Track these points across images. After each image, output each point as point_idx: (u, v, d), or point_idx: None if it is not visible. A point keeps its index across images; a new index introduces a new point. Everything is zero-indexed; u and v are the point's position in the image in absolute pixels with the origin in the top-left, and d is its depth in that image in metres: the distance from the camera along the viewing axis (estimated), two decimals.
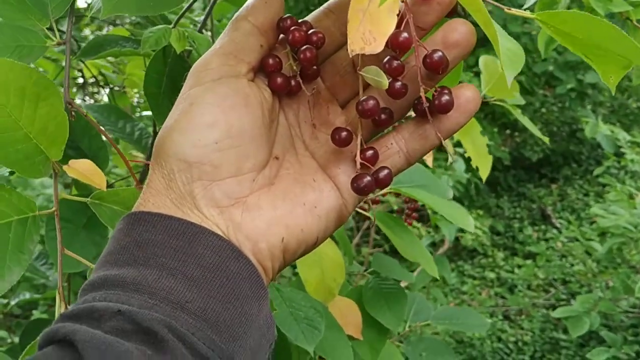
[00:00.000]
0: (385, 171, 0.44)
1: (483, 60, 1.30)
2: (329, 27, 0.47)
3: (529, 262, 4.27)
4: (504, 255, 4.42)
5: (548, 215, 4.74)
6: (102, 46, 0.82)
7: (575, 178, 5.11)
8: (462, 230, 3.68)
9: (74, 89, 1.88)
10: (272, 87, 0.47)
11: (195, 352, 0.37)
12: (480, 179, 1.38)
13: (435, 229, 3.30)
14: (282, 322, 0.86)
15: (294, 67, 0.47)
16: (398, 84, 0.42)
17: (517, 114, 1.32)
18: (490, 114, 4.57)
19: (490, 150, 1.31)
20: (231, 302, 0.40)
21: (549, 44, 1.18)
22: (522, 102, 1.36)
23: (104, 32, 2.07)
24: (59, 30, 0.68)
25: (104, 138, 0.88)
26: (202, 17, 0.95)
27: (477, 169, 1.31)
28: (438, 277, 1.14)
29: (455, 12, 0.45)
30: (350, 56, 0.36)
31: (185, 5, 0.86)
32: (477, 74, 1.31)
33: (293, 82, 0.47)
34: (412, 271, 1.88)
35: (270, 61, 0.47)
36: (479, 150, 1.31)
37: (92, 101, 2.28)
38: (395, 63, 0.42)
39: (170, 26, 0.77)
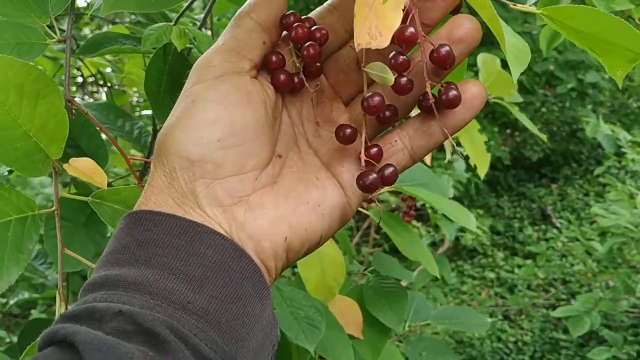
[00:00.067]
0: (391, 168, 0.44)
1: (481, 58, 1.30)
2: (333, 24, 0.47)
3: (529, 262, 4.27)
4: (504, 255, 4.42)
5: (548, 215, 4.74)
6: (102, 44, 0.82)
7: (576, 178, 5.11)
8: (462, 230, 3.69)
9: (74, 88, 1.87)
10: (275, 84, 0.46)
11: (197, 353, 0.36)
12: (480, 179, 1.38)
13: (435, 229, 3.30)
14: (283, 322, 0.85)
15: (297, 64, 0.47)
16: (404, 79, 0.42)
17: (515, 111, 1.32)
18: (491, 113, 4.57)
19: (490, 150, 1.32)
20: (234, 302, 0.39)
21: (551, 42, 1.17)
22: (520, 99, 1.36)
23: (104, 30, 2.06)
24: (59, 28, 0.67)
25: (103, 136, 0.87)
26: (202, 16, 0.95)
27: (476, 167, 1.32)
28: (439, 276, 1.13)
29: (460, 9, 0.45)
30: (357, 50, 0.35)
31: (185, 4, 0.85)
32: (476, 73, 1.31)
33: (296, 79, 0.47)
34: (412, 271, 1.88)
35: (273, 58, 0.46)
36: (477, 149, 1.31)
37: (91, 100, 2.27)
38: (401, 58, 0.41)
39: (171, 24, 0.77)
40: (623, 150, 3.67)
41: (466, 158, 1.47)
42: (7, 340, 1.72)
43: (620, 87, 0.43)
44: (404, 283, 1.40)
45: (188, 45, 0.76)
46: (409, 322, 1.44)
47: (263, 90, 0.45)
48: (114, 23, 1.50)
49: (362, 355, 1.09)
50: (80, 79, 1.84)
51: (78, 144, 0.85)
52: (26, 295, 1.67)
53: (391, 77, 0.40)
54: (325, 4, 0.48)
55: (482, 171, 1.32)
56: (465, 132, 1.27)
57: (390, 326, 1.11)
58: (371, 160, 0.44)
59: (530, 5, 0.45)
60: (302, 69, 0.47)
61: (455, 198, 2.18)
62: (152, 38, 0.74)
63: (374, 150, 0.44)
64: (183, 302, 0.38)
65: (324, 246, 0.50)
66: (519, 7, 0.44)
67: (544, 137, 1.37)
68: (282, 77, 0.46)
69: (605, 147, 3.79)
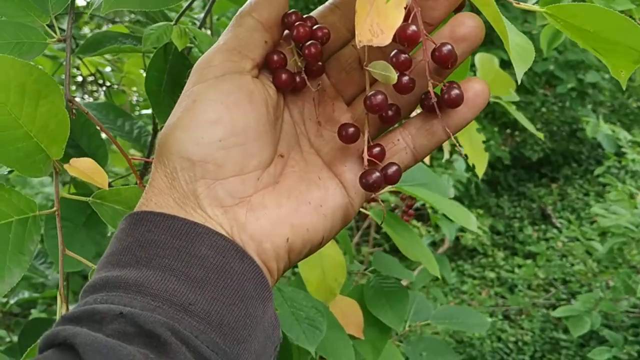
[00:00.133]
0: (394, 167, 0.44)
1: (479, 57, 1.30)
2: (335, 23, 0.46)
3: (529, 261, 4.27)
4: (504, 255, 4.42)
5: (548, 214, 4.74)
6: (102, 43, 0.81)
7: (576, 178, 5.11)
8: (462, 230, 3.69)
9: (73, 87, 1.87)
10: (276, 83, 0.46)
11: (198, 355, 0.36)
12: (479, 178, 1.38)
13: (436, 229, 3.30)
14: (284, 322, 0.85)
15: (299, 63, 0.46)
16: (406, 78, 0.41)
17: (512, 110, 1.32)
18: (491, 113, 4.57)
19: (490, 149, 1.32)
20: (235, 303, 0.39)
21: (552, 42, 1.17)
22: (517, 98, 1.36)
23: (104, 30, 2.06)
24: (59, 27, 0.67)
25: (103, 136, 0.87)
26: (202, 15, 0.94)
27: (474, 166, 1.32)
28: (439, 276, 1.13)
29: (463, 7, 0.44)
30: (358, 47, 0.35)
31: (186, 3, 0.85)
32: (474, 73, 1.31)
33: (298, 79, 0.46)
34: (412, 270, 1.88)
35: (275, 57, 0.46)
36: (475, 148, 1.31)
37: (91, 99, 2.27)
38: (402, 57, 0.41)
39: (172, 23, 0.77)
40: (623, 150, 3.67)
41: (466, 157, 1.47)
42: (7, 339, 1.71)
43: (624, 87, 0.43)
44: (404, 283, 1.40)
45: (188, 45, 0.76)
46: (409, 322, 1.44)
47: (264, 90, 0.45)
48: (113, 22, 1.50)
49: (363, 355, 1.09)
50: (80, 78, 1.84)
51: (78, 143, 0.85)
52: (26, 294, 1.67)
53: (394, 76, 0.39)
54: (327, 3, 0.47)
55: (480, 171, 1.32)
56: (464, 131, 1.26)
57: (391, 326, 1.11)
58: (374, 160, 0.44)
59: (532, 4, 0.44)
60: (303, 68, 0.46)
61: (455, 198, 2.18)
62: (153, 37, 0.73)
63: (377, 149, 0.44)
64: (184, 304, 0.37)
65: (325, 247, 0.50)
66: (522, 5, 0.43)
67: (541, 135, 1.37)
68: (283, 76, 0.46)
69: (605, 147, 3.79)
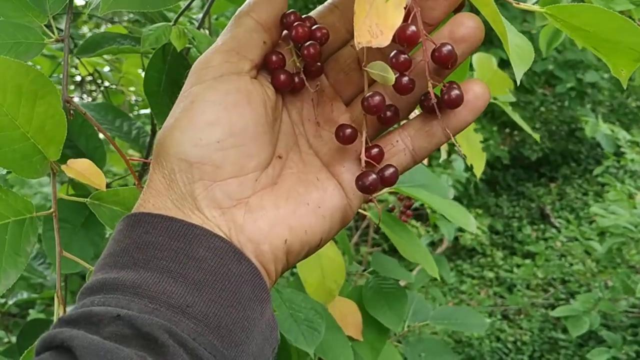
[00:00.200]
0: (391, 169, 0.43)
1: (477, 57, 1.30)
2: (334, 23, 0.46)
3: (528, 261, 4.27)
4: (502, 255, 4.42)
5: (547, 214, 4.74)
6: (100, 44, 0.81)
7: (574, 177, 5.11)
8: (461, 230, 3.69)
9: (72, 87, 1.87)
10: (275, 84, 0.46)
11: (196, 357, 0.36)
12: (480, 178, 1.38)
13: (434, 228, 3.30)
14: (282, 324, 0.85)
15: (298, 64, 0.46)
16: (405, 79, 0.41)
17: (509, 110, 1.32)
18: (490, 113, 4.57)
19: (489, 149, 1.32)
20: (233, 305, 0.39)
21: (551, 43, 1.17)
22: (513, 99, 1.36)
23: (102, 29, 2.06)
24: (56, 28, 0.67)
25: (101, 136, 0.87)
26: (200, 15, 0.94)
27: (472, 167, 1.32)
28: (438, 277, 1.13)
29: (462, 7, 0.44)
30: (357, 49, 0.35)
31: (184, 4, 0.85)
32: (472, 73, 1.32)
33: (296, 79, 0.46)
34: (411, 270, 1.88)
35: (274, 58, 0.46)
36: (473, 148, 1.31)
37: (89, 99, 2.27)
38: (402, 57, 0.40)
39: (170, 24, 0.77)
40: (622, 150, 3.67)
41: (464, 157, 1.47)
42: (6, 340, 1.71)
43: (625, 87, 0.43)
44: (402, 283, 1.40)
45: (187, 45, 0.76)
46: (408, 323, 1.44)
47: (263, 91, 0.44)
48: (112, 22, 1.50)
49: (362, 357, 1.09)
50: (78, 78, 1.84)
51: (76, 144, 0.85)
52: (25, 295, 1.66)
53: (392, 77, 0.39)
54: (326, 3, 0.47)
55: (478, 171, 1.32)
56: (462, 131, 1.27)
57: (390, 327, 1.11)
58: (372, 161, 0.43)
59: (532, 4, 0.44)
60: (302, 69, 0.46)
61: (454, 197, 2.18)
62: (152, 38, 0.73)
63: (375, 150, 0.44)
64: (182, 306, 0.37)
65: (324, 248, 0.50)
66: (522, 5, 0.43)
67: (537, 136, 1.37)
68: (282, 77, 0.46)
69: (604, 146, 3.79)
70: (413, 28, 0.39)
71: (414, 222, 3.01)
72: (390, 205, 1.58)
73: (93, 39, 0.83)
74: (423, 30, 0.40)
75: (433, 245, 3.32)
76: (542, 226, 4.67)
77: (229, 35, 0.45)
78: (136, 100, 1.95)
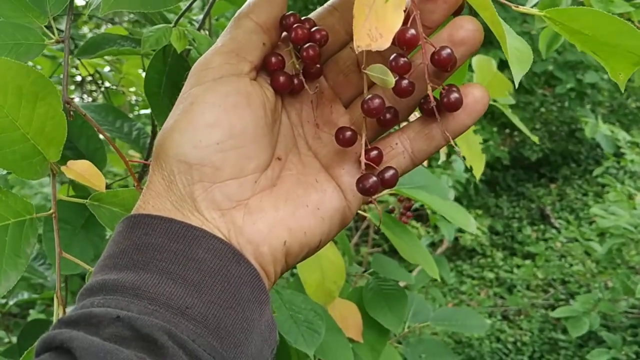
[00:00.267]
0: (391, 171, 0.44)
1: (476, 59, 1.30)
2: (333, 25, 0.46)
3: (528, 262, 4.27)
4: (502, 255, 4.42)
5: (547, 215, 4.74)
6: (100, 45, 0.81)
7: (574, 178, 5.11)
8: (461, 230, 3.69)
9: (72, 87, 1.87)
10: (274, 86, 0.46)
11: (195, 359, 0.36)
12: (480, 179, 1.38)
13: (435, 229, 3.30)
14: (282, 325, 0.85)
15: (297, 66, 0.46)
16: (405, 82, 0.41)
17: (508, 112, 1.32)
18: (490, 114, 4.56)
19: (489, 150, 1.32)
20: (232, 307, 0.39)
21: (551, 45, 1.17)
22: (512, 101, 1.36)
23: (102, 30, 2.06)
24: (57, 28, 0.67)
25: (101, 137, 0.87)
26: (200, 16, 0.94)
27: (472, 168, 1.32)
28: (438, 278, 1.13)
29: (462, 10, 0.44)
30: (356, 52, 0.35)
31: (185, 4, 0.85)
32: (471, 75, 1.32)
33: (296, 81, 0.46)
34: (411, 271, 1.88)
35: (273, 59, 0.46)
36: (472, 150, 1.31)
37: (90, 99, 2.27)
38: (402, 60, 0.41)
39: (171, 25, 0.77)
40: (622, 150, 3.67)
41: (464, 159, 1.47)
42: (6, 340, 1.71)
43: (623, 90, 0.43)
44: (402, 284, 1.40)
45: (187, 47, 0.76)
46: (408, 323, 1.44)
47: (262, 92, 0.45)
48: (112, 22, 1.50)
49: (362, 358, 1.09)
50: (78, 78, 1.84)
51: (76, 145, 0.85)
52: (25, 295, 1.66)
53: (392, 80, 0.39)
54: (325, 5, 0.47)
55: (478, 172, 1.32)
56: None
57: (390, 328, 1.11)
58: (371, 163, 0.43)
59: (531, 7, 0.44)
60: (301, 71, 0.46)
61: (454, 198, 2.18)
62: (152, 40, 0.73)
63: (374, 153, 0.44)
64: (181, 307, 0.37)
65: (324, 249, 0.50)
66: (521, 9, 0.43)
67: (535, 138, 1.37)
68: (281, 78, 0.46)
69: (604, 147, 3.79)
70: (412, 31, 0.40)
71: (414, 222, 3.01)
72: (390, 207, 1.58)
73: (93, 40, 0.83)
74: (422, 33, 0.40)
75: (433, 245, 3.32)
76: (542, 227, 4.67)
77: (229, 36, 0.45)
78: (136, 101, 1.95)
